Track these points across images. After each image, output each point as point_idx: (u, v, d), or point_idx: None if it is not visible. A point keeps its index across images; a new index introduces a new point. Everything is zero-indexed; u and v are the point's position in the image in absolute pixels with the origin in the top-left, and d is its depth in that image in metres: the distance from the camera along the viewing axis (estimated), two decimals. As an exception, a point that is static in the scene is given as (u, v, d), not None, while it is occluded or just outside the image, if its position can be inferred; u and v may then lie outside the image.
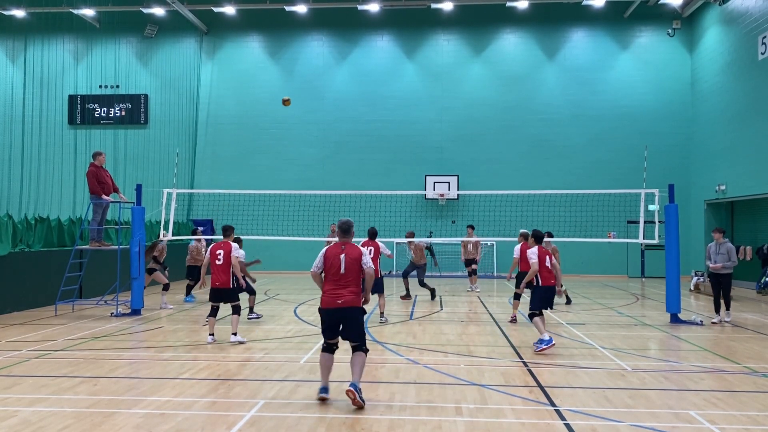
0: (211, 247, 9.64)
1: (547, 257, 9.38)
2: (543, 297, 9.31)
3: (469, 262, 18.06)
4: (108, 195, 13.02)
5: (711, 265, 12.01)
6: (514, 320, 12.00)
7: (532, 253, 9.37)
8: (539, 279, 9.32)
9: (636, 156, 21.88)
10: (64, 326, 11.10)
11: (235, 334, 9.53)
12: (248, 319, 11.80)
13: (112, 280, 13.68)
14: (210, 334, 9.58)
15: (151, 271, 13.96)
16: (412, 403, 6.36)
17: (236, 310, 9.61)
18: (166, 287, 14.19)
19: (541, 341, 9.02)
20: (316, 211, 20.80)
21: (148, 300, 14.55)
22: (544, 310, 9.35)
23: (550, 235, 13.73)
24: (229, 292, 9.50)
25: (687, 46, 24.26)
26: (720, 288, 12.07)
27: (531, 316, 9.29)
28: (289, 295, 16.28)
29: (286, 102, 13.13)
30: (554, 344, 8.99)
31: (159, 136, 25.82)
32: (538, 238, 9.60)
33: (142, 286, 12.92)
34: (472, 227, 18.11)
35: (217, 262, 9.49)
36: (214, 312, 9.68)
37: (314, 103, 25.37)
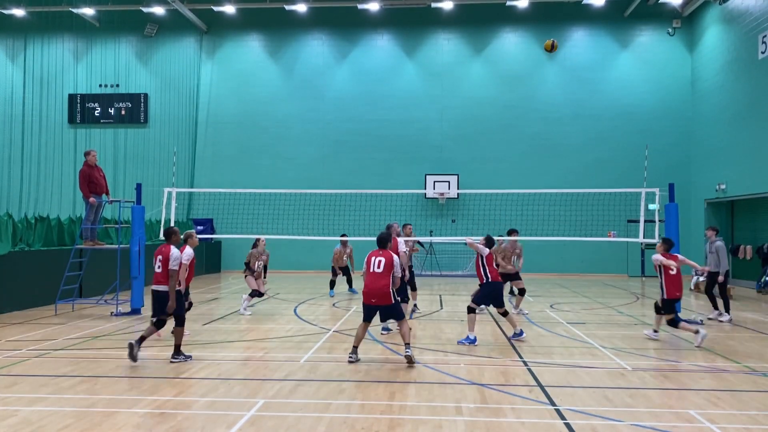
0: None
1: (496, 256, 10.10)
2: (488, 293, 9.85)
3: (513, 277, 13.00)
4: (100, 194, 13.00)
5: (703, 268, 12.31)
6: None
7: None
8: (489, 275, 9.73)
9: (636, 155, 21.88)
10: (64, 325, 11.10)
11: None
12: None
13: (112, 279, 13.67)
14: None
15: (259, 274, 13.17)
16: (412, 403, 6.35)
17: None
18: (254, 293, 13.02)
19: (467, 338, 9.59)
20: (316, 210, 20.80)
21: (149, 299, 14.53)
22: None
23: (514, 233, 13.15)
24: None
25: (687, 45, 24.26)
26: (712, 285, 12.43)
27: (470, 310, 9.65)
28: (289, 295, 16.28)
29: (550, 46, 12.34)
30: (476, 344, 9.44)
31: (159, 135, 25.81)
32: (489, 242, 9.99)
33: (142, 285, 12.90)
34: (516, 231, 13.21)
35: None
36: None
37: (314, 103, 25.36)
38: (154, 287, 8.20)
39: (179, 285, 8.30)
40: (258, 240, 13.17)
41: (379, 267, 8.15)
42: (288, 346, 9.37)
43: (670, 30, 24.34)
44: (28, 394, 6.58)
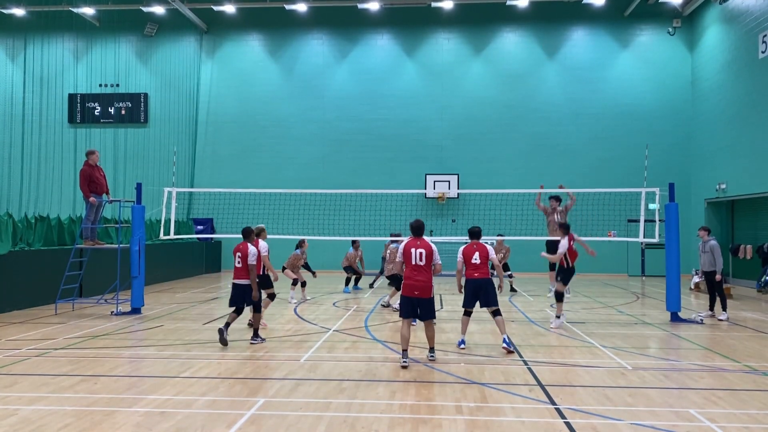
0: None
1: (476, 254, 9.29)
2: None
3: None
4: (100, 194, 13.01)
5: (701, 267, 12.73)
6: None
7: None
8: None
9: (636, 155, 21.89)
10: (64, 325, 11.10)
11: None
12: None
13: (113, 278, 13.68)
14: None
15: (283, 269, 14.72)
16: (412, 402, 6.36)
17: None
18: (294, 282, 15.15)
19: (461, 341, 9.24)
20: (316, 210, 20.78)
21: (149, 299, 14.56)
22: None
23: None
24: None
25: (687, 44, 24.25)
26: (710, 285, 12.59)
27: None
28: (289, 294, 16.24)
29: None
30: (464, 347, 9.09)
31: (159, 134, 25.82)
32: (472, 234, 9.55)
33: (142, 284, 12.90)
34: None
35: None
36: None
37: (314, 102, 25.37)
38: (235, 281, 9.35)
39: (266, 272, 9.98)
40: (303, 241, 14.90)
41: (421, 259, 8.26)
42: (288, 346, 9.37)
43: (670, 29, 24.33)
44: (29, 393, 6.58)
